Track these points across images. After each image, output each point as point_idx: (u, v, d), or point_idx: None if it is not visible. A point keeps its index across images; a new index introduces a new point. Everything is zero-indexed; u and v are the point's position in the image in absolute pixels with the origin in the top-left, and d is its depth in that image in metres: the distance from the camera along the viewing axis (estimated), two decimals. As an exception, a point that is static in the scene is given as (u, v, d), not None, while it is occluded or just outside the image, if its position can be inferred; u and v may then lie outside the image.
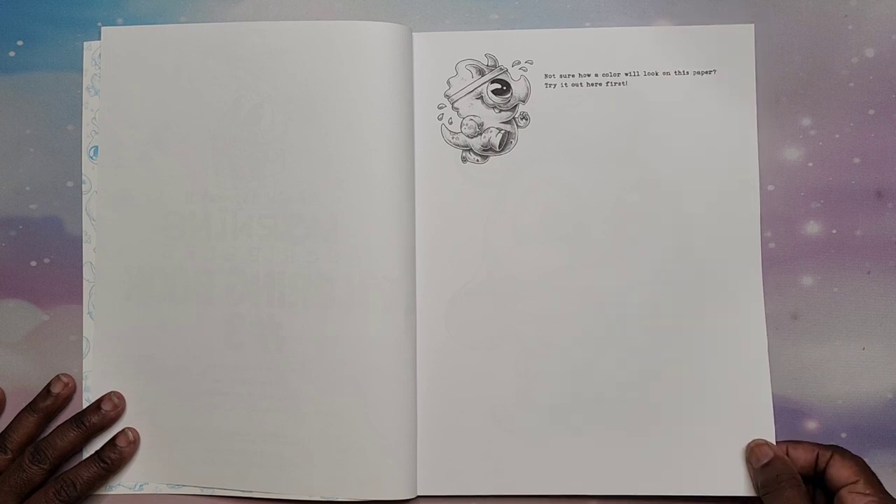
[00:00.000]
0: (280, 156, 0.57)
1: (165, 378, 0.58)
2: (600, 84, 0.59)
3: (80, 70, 0.60)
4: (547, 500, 0.57)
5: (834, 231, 0.58)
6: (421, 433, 0.57)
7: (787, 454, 0.55)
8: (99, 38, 0.59)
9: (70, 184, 0.60)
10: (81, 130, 0.59)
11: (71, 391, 0.58)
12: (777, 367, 0.57)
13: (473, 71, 0.58)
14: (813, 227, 0.58)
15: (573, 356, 0.58)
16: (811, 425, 0.58)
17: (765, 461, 0.55)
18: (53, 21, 0.60)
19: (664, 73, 0.59)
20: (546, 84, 0.59)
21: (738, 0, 0.59)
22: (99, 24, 0.60)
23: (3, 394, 0.59)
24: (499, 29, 0.60)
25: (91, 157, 0.59)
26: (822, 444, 0.55)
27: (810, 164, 0.59)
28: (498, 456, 0.57)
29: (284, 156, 0.57)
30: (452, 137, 0.59)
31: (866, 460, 0.56)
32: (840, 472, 0.53)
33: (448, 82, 0.59)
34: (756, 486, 0.55)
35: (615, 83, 0.59)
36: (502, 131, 0.59)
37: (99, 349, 0.58)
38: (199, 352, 0.57)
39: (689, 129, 0.58)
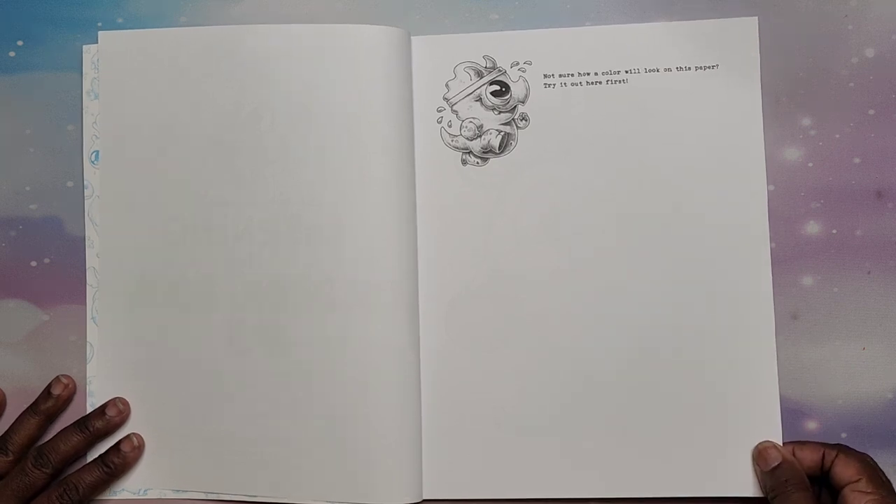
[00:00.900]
0: (281, 159, 0.57)
1: (169, 383, 0.58)
2: (600, 83, 0.59)
3: (80, 70, 0.60)
4: (552, 503, 0.57)
5: (834, 231, 0.58)
6: (425, 436, 0.57)
7: (794, 455, 0.55)
8: (98, 39, 0.60)
9: (70, 184, 0.60)
10: (82, 132, 0.59)
11: (71, 392, 0.58)
12: (777, 367, 0.57)
13: (472, 73, 0.58)
14: (813, 227, 0.58)
15: (576, 358, 0.58)
16: (811, 425, 0.58)
17: (773, 464, 0.55)
18: (53, 21, 0.60)
19: (665, 70, 0.58)
20: (545, 84, 0.59)
21: (737, 0, 0.59)
22: (98, 24, 0.60)
23: (4, 395, 0.59)
24: (499, 28, 0.59)
25: (92, 162, 0.59)
26: (827, 444, 0.55)
27: (810, 164, 0.59)
28: (502, 458, 0.57)
29: (285, 159, 0.57)
30: (452, 140, 0.59)
31: (866, 460, 0.57)
32: (844, 470, 0.53)
33: (447, 85, 0.59)
34: (764, 489, 0.55)
35: (615, 81, 0.59)
36: (502, 133, 0.59)
37: (103, 354, 0.58)
38: (202, 356, 0.57)
39: (693, 125, 0.58)
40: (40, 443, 0.57)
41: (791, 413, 0.57)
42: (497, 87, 0.59)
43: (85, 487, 0.55)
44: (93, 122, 0.59)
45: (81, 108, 0.60)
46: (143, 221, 0.58)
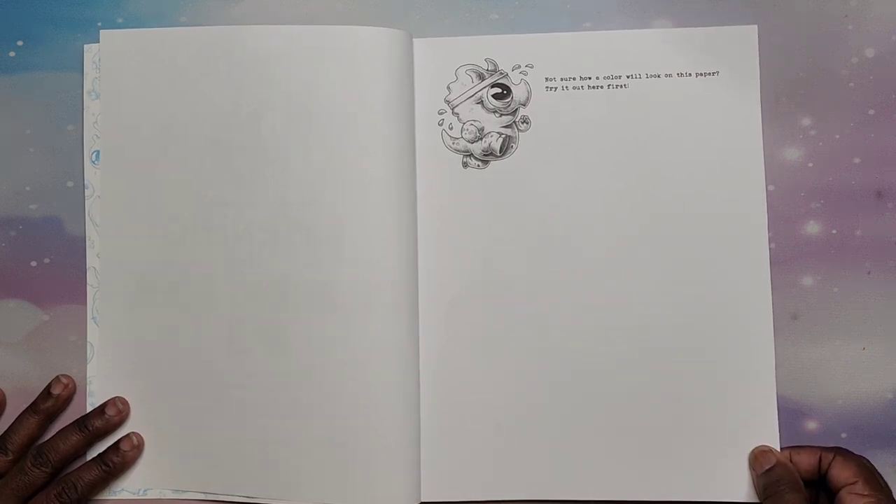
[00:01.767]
0: (281, 160, 0.57)
1: (169, 383, 0.58)
2: (602, 87, 0.59)
3: (80, 70, 0.60)
4: None
5: (834, 231, 0.58)
6: (424, 438, 0.57)
7: (791, 460, 0.55)
8: (98, 39, 0.59)
9: (70, 184, 0.60)
10: (82, 132, 0.59)
11: (71, 392, 0.58)
12: (777, 367, 0.57)
13: (473, 76, 0.58)
14: (813, 227, 0.58)
15: (575, 359, 0.58)
16: (811, 425, 0.58)
17: (767, 467, 0.55)
18: (53, 21, 0.60)
19: (666, 76, 0.59)
20: (547, 87, 0.59)
21: (738, 0, 0.59)
22: (98, 24, 0.60)
23: (4, 395, 0.59)
24: (499, 29, 0.59)
25: (93, 162, 0.59)
26: (825, 448, 0.55)
27: (810, 164, 0.59)
28: (501, 460, 0.57)
29: (285, 160, 0.57)
30: (453, 143, 0.59)
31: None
32: (841, 472, 0.53)
33: (448, 87, 0.59)
34: (758, 491, 0.55)
35: (616, 86, 0.59)
36: (503, 136, 0.59)
37: (103, 354, 0.58)
38: (202, 357, 0.57)
39: (693, 131, 0.58)
40: (40, 442, 0.57)
41: (791, 413, 0.57)
42: (499, 90, 0.59)
43: (84, 486, 0.55)
44: (94, 122, 0.59)
45: (82, 108, 0.59)
46: (143, 221, 0.58)
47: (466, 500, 0.57)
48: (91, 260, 0.59)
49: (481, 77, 0.58)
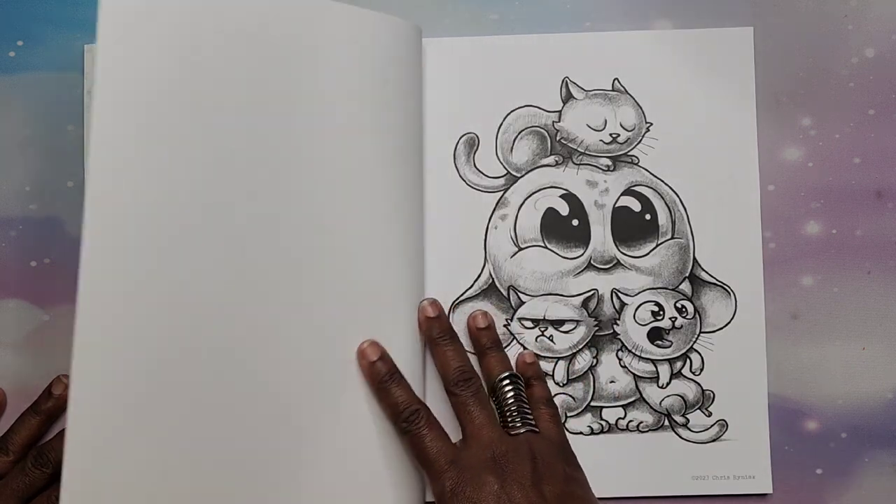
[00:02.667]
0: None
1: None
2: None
3: (81, 70, 0.60)
4: None
5: (834, 231, 0.58)
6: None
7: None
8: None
9: (70, 184, 0.60)
10: (83, 132, 0.59)
11: (72, 392, 0.58)
12: (777, 367, 0.57)
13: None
14: (813, 227, 0.58)
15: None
16: (811, 425, 0.58)
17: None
18: (53, 21, 0.60)
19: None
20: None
21: (737, 0, 0.59)
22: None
23: (4, 394, 0.59)
24: (499, 29, 0.59)
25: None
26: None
27: (810, 164, 0.59)
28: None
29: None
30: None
31: (866, 460, 0.57)
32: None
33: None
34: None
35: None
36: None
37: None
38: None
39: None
40: (41, 443, 0.57)
41: (791, 413, 0.58)
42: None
43: (85, 487, 0.55)
44: (95, 123, 0.58)
45: (82, 109, 0.59)
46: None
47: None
48: (91, 260, 0.59)
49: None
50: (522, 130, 0.59)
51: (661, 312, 0.58)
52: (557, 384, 0.58)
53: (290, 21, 0.54)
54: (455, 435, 0.54)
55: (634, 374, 0.58)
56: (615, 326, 0.58)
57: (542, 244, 0.58)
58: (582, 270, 0.58)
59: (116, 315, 0.52)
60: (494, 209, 0.59)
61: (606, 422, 0.58)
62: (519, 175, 0.59)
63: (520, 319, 0.58)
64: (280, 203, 0.55)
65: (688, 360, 0.58)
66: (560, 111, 0.59)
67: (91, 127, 0.51)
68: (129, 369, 0.52)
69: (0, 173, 0.60)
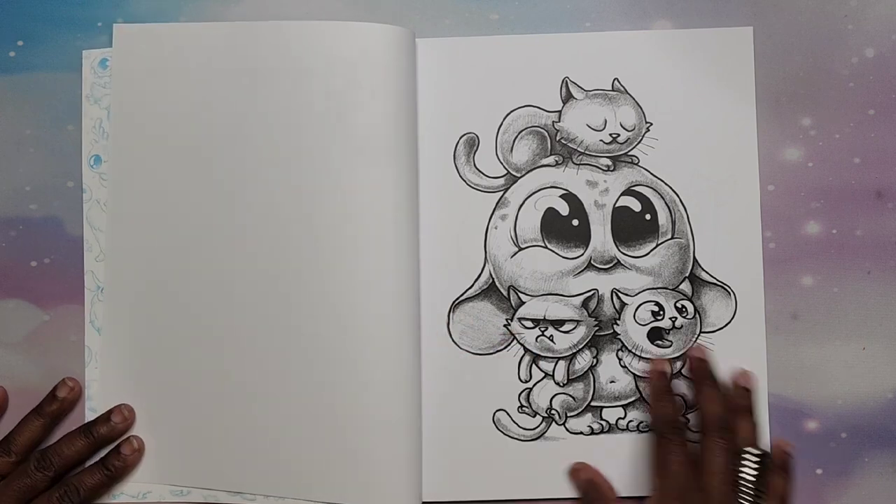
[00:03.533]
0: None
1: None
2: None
3: (80, 71, 0.59)
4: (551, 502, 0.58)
5: (834, 231, 0.58)
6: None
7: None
8: (98, 39, 0.59)
9: (70, 184, 0.60)
10: (81, 136, 0.59)
11: (77, 395, 0.58)
12: (777, 367, 0.57)
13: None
14: (813, 227, 0.58)
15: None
16: (811, 425, 0.58)
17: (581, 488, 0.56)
18: (53, 21, 0.60)
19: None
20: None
21: (738, 0, 0.59)
22: (98, 24, 0.60)
23: (6, 393, 0.59)
24: (499, 29, 0.59)
25: (91, 166, 0.59)
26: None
27: (810, 164, 0.59)
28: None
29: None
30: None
31: (866, 460, 0.57)
32: None
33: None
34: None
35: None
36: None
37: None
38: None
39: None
40: (44, 446, 0.57)
41: (791, 413, 0.58)
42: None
43: (86, 490, 0.55)
44: (92, 127, 0.59)
45: (81, 109, 0.59)
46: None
47: (468, 500, 0.57)
48: (89, 264, 0.59)
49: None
50: (522, 130, 0.59)
51: (662, 312, 0.58)
52: (557, 384, 0.58)
53: (280, 43, 0.57)
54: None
55: (635, 374, 0.58)
56: (615, 326, 0.58)
57: (542, 244, 0.58)
58: (582, 270, 0.58)
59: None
60: (494, 209, 0.59)
61: (606, 422, 0.58)
62: (519, 175, 0.59)
63: (520, 319, 0.58)
64: (280, 205, 0.57)
65: (688, 360, 0.58)
66: (560, 111, 0.59)
67: (110, 142, 0.58)
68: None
69: (0, 173, 0.60)
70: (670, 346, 0.58)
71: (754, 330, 0.58)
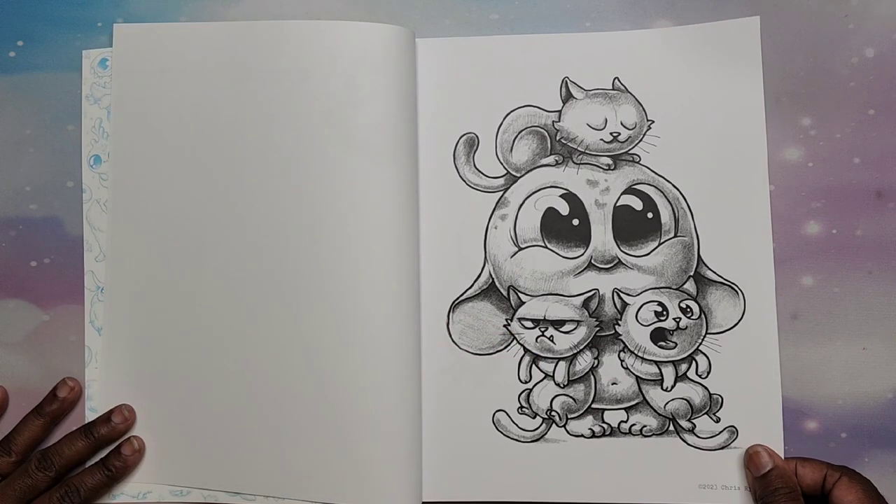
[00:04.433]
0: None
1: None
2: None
3: (80, 71, 0.60)
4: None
5: (834, 231, 0.58)
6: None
7: (796, 471, 0.55)
8: (98, 39, 0.60)
9: (70, 184, 0.60)
10: (81, 136, 0.59)
11: (77, 395, 0.58)
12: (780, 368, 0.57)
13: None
14: (813, 227, 0.58)
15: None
16: (811, 425, 0.58)
17: (764, 470, 0.54)
18: (53, 21, 0.60)
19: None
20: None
21: (738, 0, 0.59)
22: (98, 24, 0.60)
23: (6, 393, 0.59)
24: (499, 29, 0.60)
25: (91, 166, 0.59)
26: (832, 465, 0.55)
27: (810, 164, 0.59)
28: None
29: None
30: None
31: (866, 460, 0.57)
32: (845, 495, 0.53)
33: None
34: (754, 494, 0.55)
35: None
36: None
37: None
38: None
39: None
40: (44, 446, 0.57)
41: (791, 413, 0.57)
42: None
43: (86, 490, 0.55)
44: (92, 127, 0.59)
45: (81, 109, 0.59)
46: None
47: (468, 500, 0.57)
48: (89, 264, 0.59)
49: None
50: (522, 130, 0.59)
51: (665, 312, 0.58)
52: (558, 385, 0.58)
53: (280, 43, 0.57)
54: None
55: (637, 376, 0.58)
56: (617, 327, 0.58)
57: (543, 244, 0.58)
58: (582, 270, 0.58)
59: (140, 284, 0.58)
60: (494, 209, 0.59)
61: (608, 425, 0.57)
62: (519, 175, 0.59)
63: (520, 319, 0.58)
64: (279, 205, 0.57)
65: (694, 363, 0.57)
66: (560, 111, 0.59)
67: (111, 142, 0.58)
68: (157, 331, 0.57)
69: (0, 173, 0.60)
70: (674, 347, 0.58)
71: (765, 331, 0.57)
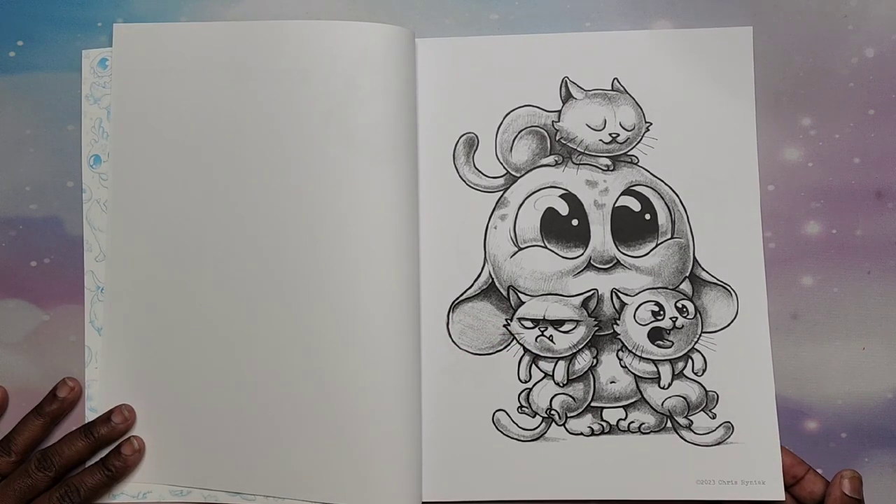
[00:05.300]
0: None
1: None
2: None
3: (80, 71, 0.60)
4: None
5: (834, 231, 0.58)
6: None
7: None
8: (98, 39, 0.60)
9: (70, 184, 0.60)
10: (81, 136, 0.59)
11: (77, 395, 0.58)
12: (777, 367, 0.57)
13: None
14: (813, 227, 0.58)
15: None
16: (811, 425, 0.58)
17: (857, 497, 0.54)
18: (53, 21, 0.60)
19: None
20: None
21: (738, 0, 0.59)
22: (98, 24, 0.60)
23: (6, 393, 0.59)
24: (499, 29, 0.60)
25: (91, 166, 0.59)
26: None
27: (810, 164, 0.59)
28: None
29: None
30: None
31: (866, 460, 0.57)
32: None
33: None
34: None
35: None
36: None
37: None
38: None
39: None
40: (44, 446, 0.57)
41: (791, 413, 0.57)
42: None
43: (86, 490, 0.55)
44: (92, 127, 0.59)
45: (81, 109, 0.59)
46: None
47: (468, 500, 0.57)
48: (89, 264, 0.59)
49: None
50: (522, 130, 0.59)
51: (662, 312, 0.58)
52: (557, 384, 0.58)
53: (280, 43, 0.57)
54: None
55: (635, 375, 0.58)
56: (615, 326, 0.58)
57: (542, 244, 0.58)
58: (582, 270, 0.58)
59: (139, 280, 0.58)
60: (494, 209, 0.59)
61: (607, 422, 0.58)
62: (518, 175, 0.59)
63: (519, 319, 0.58)
64: (279, 205, 0.57)
65: (690, 361, 0.58)
66: (560, 111, 0.59)
67: (111, 142, 0.58)
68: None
69: (0, 173, 0.60)
70: (671, 346, 0.58)
71: (757, 330, 0.58)
